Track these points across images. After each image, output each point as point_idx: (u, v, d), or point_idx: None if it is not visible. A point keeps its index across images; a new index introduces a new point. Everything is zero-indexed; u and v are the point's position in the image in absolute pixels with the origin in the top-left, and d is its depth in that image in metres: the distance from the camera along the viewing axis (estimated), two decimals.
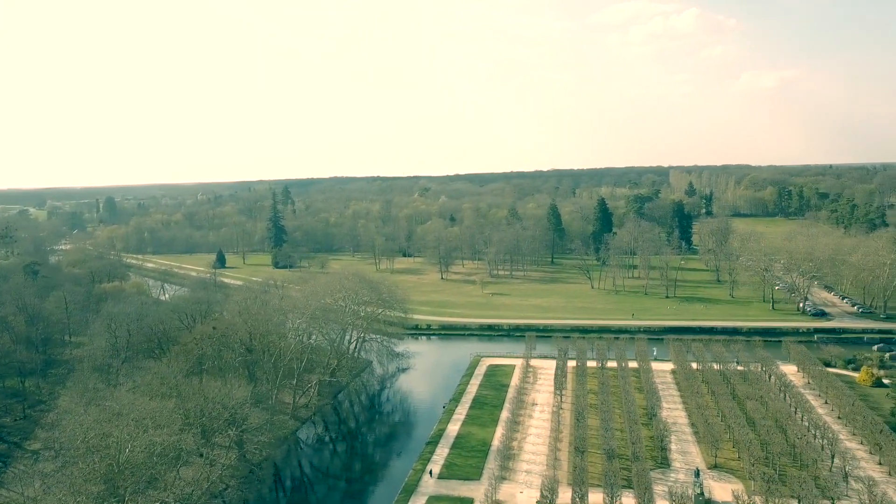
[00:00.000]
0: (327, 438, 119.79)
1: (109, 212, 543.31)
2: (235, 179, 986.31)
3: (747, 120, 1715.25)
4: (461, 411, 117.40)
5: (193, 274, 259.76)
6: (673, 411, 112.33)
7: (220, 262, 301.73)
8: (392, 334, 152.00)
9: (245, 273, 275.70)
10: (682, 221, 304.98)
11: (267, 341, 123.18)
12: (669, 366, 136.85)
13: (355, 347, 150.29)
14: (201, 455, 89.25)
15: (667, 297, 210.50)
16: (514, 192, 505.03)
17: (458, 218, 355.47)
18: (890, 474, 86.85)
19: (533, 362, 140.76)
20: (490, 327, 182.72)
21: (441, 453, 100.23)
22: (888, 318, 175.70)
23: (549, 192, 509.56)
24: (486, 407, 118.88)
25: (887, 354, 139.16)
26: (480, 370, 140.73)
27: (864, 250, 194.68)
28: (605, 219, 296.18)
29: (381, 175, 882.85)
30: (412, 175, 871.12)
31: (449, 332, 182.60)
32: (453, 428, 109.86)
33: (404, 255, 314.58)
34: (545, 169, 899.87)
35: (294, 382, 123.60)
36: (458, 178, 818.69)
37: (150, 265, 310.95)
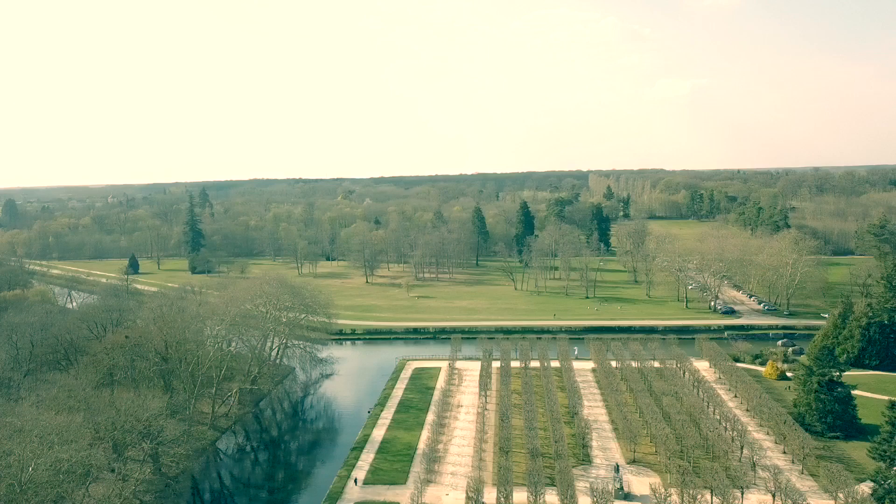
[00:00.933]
0: (248, 448, 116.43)
1: (10, 215, 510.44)
2: (149, 181, 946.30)
3: (662, 126, 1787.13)
4: (387, 415, 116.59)
5: (104, 281, 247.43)
6: (594, 409, 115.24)
7: (133, 267, 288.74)
8: (315, 340, 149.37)
9: (160, 279, 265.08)
10: (600, 224, 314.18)
11: (184, 350, 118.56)
12: (590, 364, 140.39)
13: (277, 354, 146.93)
14: (113, 470, 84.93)
15: (587, 297, 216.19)
16: (440, 196, 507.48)
17: (383, 221, 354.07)
18: (793, 462, 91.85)
19: (458, 364, 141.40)
20: (416, 330, 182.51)
21: (366, 459, 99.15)
22: (791, 315, 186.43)
23: (474, 195, 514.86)
24: (412, 410, 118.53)
25: (790, 349, 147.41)
26: (406, 374, 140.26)
27: (769, 251, 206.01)
28: (527, 222, 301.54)
29: (304, 177, 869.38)
30: (336, 177, 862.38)
31: (374, 337, 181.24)
32: (379, 433, 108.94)
33: (328, 259, 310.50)
34: (469, 172, 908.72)
35: (213, 391, 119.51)
36: (383, 180, 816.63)
37: (55, 272, 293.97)
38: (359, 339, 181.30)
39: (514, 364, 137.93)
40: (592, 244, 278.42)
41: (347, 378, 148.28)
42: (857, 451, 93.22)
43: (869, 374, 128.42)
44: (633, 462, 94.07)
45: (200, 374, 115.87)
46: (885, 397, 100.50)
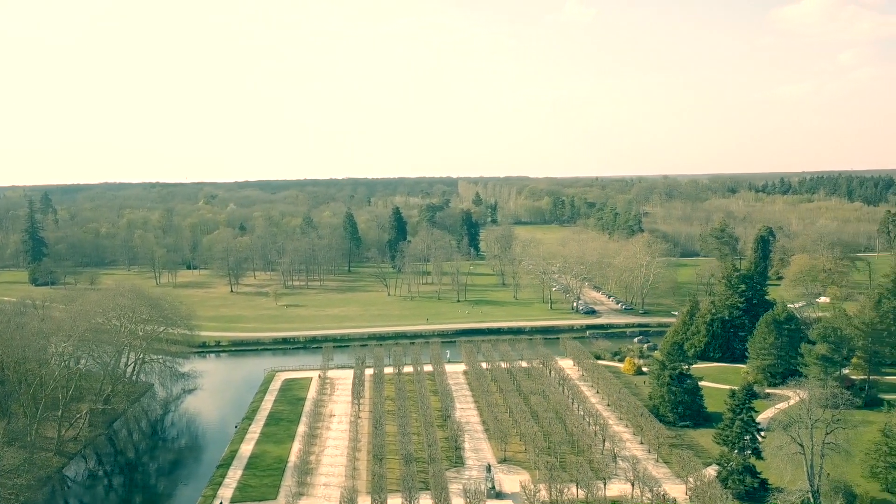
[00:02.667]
0: (101, 473, 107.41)
1: None
2: None
3: (526, 134, 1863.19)
4: (255, 429, 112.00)
5: None
6: (466, 411, 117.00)
7: None
8: (176, 354, 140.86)
9: None
10: (470, 229, 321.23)
11: (24, 370, 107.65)
12: (462, 367, 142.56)
13: (133, 370, 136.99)
14: None
15: (458, 301, 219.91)
16: (309, 200, 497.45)
17: (248, 227, 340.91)
18: (649, 451, 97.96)
19: (330, 373, 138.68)
20: (285, 340, 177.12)
21: (234, 476, 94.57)
22: (646, 314, 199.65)
23: (345, 200, 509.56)
24: (282, 422, 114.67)
25: (646, 345, 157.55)
26: (275, 385, 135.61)
27: (625, 253, 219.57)
28: (399, 227, 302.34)
29: (161, 181, 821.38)
30: (196, 181, 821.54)
31: (241, 348, 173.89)
32: (247, 448, 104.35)
33: (189, 268, 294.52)
34: (340, 177, 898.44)
35: (59, 414, 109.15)
36: (248, 184, 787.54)
37: None
38: (224, 351, 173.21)
39: (388, 370, 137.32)
40: (463, 249, 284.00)
41: (212, 392, 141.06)
42: (705, 437, 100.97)
43: (713, 366, 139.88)
44: (504, 461, 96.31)
45: (44, 396, 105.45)
46: (727, 387, 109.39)
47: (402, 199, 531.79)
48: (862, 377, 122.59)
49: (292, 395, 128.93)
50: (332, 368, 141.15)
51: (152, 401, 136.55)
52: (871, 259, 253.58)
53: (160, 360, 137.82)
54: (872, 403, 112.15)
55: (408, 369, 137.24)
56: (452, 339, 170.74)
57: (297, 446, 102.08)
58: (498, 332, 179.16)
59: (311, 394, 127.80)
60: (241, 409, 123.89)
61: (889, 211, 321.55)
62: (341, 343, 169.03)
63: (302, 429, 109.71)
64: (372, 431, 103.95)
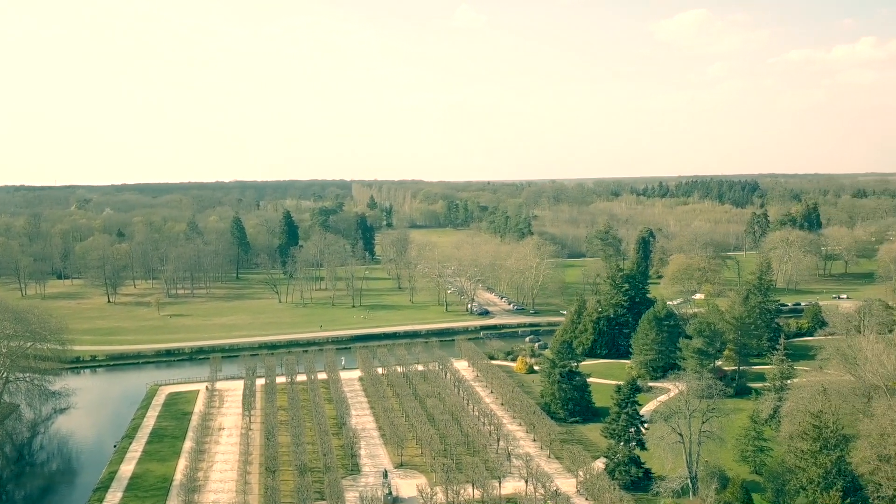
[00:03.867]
0: None
1: None
2: None
3: (420, 138, 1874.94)
4: (136, 448, 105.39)
5: None
6: (362, 417, 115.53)
7: None
8: (46, 371, 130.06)
9: None
10: (365, 233, 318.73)
11: None
12: (357, 373, 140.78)
13: None
14: None
15: (353, 306, 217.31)
16: (194, 205, 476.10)
17: (127, 233, 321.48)
18: (542, 448, 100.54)
19: (219, 385, 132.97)
20: (169, 352, 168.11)
21: (113, 499, 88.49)
22: (536, 313, 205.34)
23: (232, 204, 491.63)
24: (167, 439, 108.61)
25: (537, 344, 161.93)
26: (159, 400, 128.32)
27: (517, 255, 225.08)
28: (291, 232, 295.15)
29: (27, 184, 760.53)
30: (68, 185, 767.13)
31: (120, 363, 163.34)
32: (127, 468, 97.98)
33: (60, 278, 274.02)
34: (227, 180, 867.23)
35: None
36: (125, 188, 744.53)
37: None
38: (101, 366, 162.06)
39: (280, 380, 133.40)
40: (358, 253, 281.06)
41: (88, 411, 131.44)
42: (594, 431, 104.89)
43: (600, 362, 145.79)
44: (400, 466, 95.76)
45: None
46: (613, 382, 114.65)
47: (293, 203, 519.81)
48: (733, 368, 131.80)
49: (178, 410, 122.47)
50: (220, 380, 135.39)
51: (18, 423, 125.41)
52: (740, 258, 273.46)
53: (27, 379, 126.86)
54: (742, 392, 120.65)
55: (301, 378, 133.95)
56: (347, 346, 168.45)
57: (183, 463, 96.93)
58: (394, 336, 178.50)
59: (199, 407, 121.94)
60: (121, 427, 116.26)
61: (755, 213, 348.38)
62: (230, 353, 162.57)
63: (188, 444, 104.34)
64: (264, 443, 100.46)
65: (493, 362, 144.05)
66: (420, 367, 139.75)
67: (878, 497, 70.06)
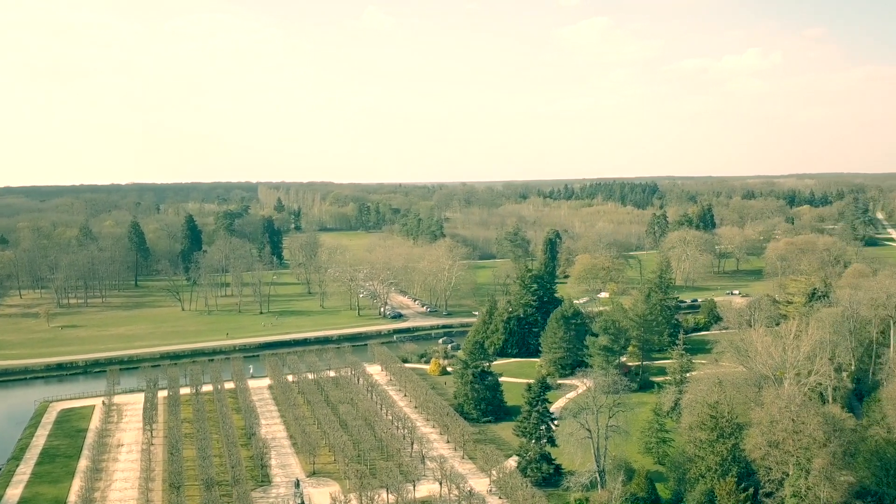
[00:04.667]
0: None
1: None
2: None
3: (330, 140, 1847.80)
4: (24, 470, 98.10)
5: None
6: (272, 426, 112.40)
7: None
8: None
9: None
10: (272, 237, 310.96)
11: None
12: (267, 382, 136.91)
13: None
14: None
15: (261, 312, 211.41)
16: (87, 209, 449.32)
17: (11, 239, 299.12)
18: (455, 449, 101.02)
19: (117, 399, 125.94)
20: (60, 366, 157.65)
21: None
22: (449, 315, 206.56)
23: (130, 208, 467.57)
24: (59, 459, 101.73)
25: (450, 346, 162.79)
26: (49, 418, 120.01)
27: (429, 258, 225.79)
28: (194, 236, 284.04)
29: None
30: None
31: (4, 379, 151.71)
32: (14, 492, 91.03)
33: None
34: (123, 182, 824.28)
35: None
36: (9, 191, 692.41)
37: None
38: None
39: (184, 391, 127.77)
40: (265, 258, 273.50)
41: None
42: (506, 430, 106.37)
43: (512, 361, 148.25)
44: (313, 474, 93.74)
45: None
46: (524, 380, 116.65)
47: (196, 206, 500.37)
48: (637, 363, 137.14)
49: (71, 427, 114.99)
50: (118, 394, 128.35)
51: None
52: (641, 257, 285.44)
53: None
54: (645, 386, 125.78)
55: (207, 388, 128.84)
56: (256, 354, 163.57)
57: (78, 484, 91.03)
58: (305, 342, 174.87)
59: (95, 424, 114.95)
60: (6, 449, 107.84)
61: (655, 214, 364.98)
62: (129, 365, 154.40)
63: (84, 464, 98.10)
64: (167, 458, 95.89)
65: (407, 365, 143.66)
66: (332, 374, 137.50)
67: (769, 480, 74.56)
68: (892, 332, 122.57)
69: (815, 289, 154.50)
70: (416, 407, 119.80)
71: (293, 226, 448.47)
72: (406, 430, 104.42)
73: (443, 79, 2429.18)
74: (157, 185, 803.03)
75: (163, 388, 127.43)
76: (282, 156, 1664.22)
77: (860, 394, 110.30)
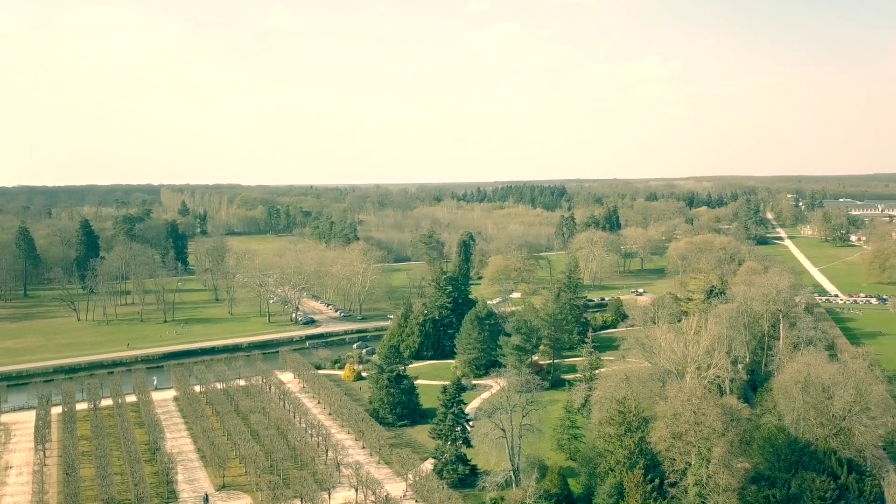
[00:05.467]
0: None
1: None
2: None
3: (236, 141, 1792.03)
4: None
5: None
6: (178, 440, 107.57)
7: None
8: None
9: None
10: (177, 242, 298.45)
11: None
12: (172, 393, 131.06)
13: None
14: None
15: (165, 321, 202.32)
16: None
17: None
18: (371, 454, 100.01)
19: (4, 418, 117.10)
20: None
21: None
22: (363, 319, 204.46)
23: (17, 212, 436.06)
24: None
25: (364, 351, 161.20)
26: None
27: (342, 262, 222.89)
28: (90, 242, 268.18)
29: None
30: None
31: None
32: None
33: None
34: (10, 185, 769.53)
35: None
36: None
37: None
38: None
39: (81, 407, 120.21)
40: (169, 264, 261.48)
41: None
42: (422, 433, 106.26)
43: (427, 364, 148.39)
44: (223, 488, 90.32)
45: None
46: (440, 383, 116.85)
47: (92, 210, 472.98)
48: (548, 362, 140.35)
49: None
50: (5, 412, 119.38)
51: None
52: (551, 257, 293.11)
53: None
54: (557, 384, 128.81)
55: (107, 402, 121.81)
56: (160, 364, 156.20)
57: None
58: (212, 351, 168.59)
59: None
60: None
61: (563, 216, 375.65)
62: (18, 381, 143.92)
63: None
64: (63, 479, 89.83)
65: (321, 372, 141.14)
66: (242, 383, 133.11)
67: (673, 471, 77.88)
68: (781, 325, 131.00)
69: (712, 286, 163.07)
70: (330, 414, 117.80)
71: (199, 230, 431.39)
72: (320, 438, 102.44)
73: (353, 80, 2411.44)
74: (48, 188, 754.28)
75: (57, 405, 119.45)
76: (186, 157, 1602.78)
77: (754, 384, 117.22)
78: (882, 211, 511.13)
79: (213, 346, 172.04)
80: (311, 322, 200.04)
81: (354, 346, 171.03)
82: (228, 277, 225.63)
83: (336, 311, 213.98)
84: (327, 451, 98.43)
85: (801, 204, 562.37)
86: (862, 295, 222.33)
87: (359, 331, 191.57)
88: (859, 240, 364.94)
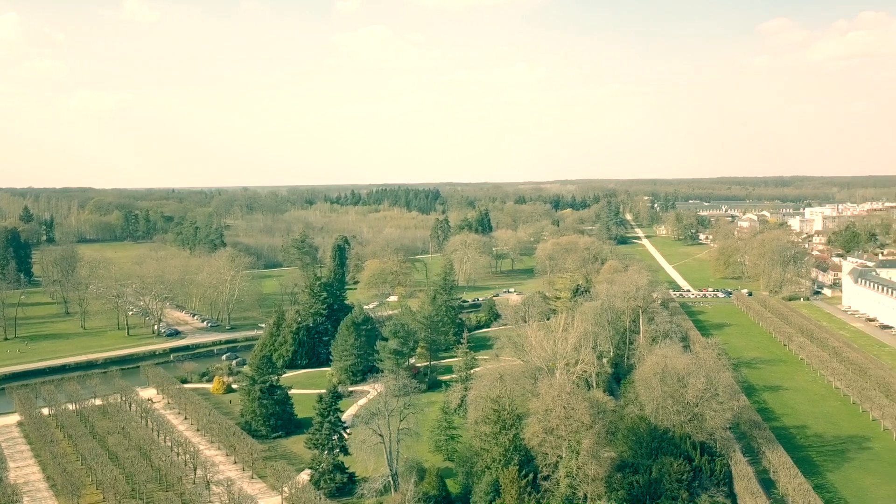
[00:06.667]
0: None
1: None
2: None
3: (86, 141, 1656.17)
4: None
5: None
6: (24, 469, 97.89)
7: None
8: None
9: None
10: (18, 251, 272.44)
11: None
12: (16, 418, 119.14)
13: None
14: None
15: (6, 339, 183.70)
16: None
17: None
18: (244, 469, 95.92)
19: None
20: None
21: None
22: (233, 329, 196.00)
23: None
24: None
25: (234, 362, 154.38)
26: None
27: (209, 269, 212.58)
28: None
29: None
30: None
31: None
32: None
33: None
34: None
35: None
36: None
37: None
38: None
39: None
40: (9, 275, 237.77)
41: None
42: (297, 444, 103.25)
43: (302, 373, 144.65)
44: None
45: None
46: (316, 391, 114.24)
47: None
48: (425, 364, 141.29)
49: None
50: None
51: None
52: (427, 260, 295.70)
53: None
54: (434, 386, 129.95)
55: None
56: (0, 386, 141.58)
57: None
58: (63, 369, 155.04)
59: None
60: None
61: (437, 219, 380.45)
62: None
63: None
64: None
65: (187, 386, 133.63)
66: (98, 402, 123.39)
67: (546, 465, 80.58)
68: (640, 320, 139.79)
69: (578, 285, 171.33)
70: (198, 430, 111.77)
71: (45, 238, 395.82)
72: (188, 456, 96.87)
73: (218, 79, 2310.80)
74: None
75: None
76: (28, 159, 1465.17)
77: (618, 377, 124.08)
78: (726, 211, 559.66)
79: (63, 364, 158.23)
80: (175, 334, 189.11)
81: (224, 357, 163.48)
82: (80, 289, 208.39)
83: (203, 322, 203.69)
84: (196, 469, 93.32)
85: (656, 206, 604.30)
86: (710, 289, 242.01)
87: (228, 341, 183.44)
88: (707, 238, 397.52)
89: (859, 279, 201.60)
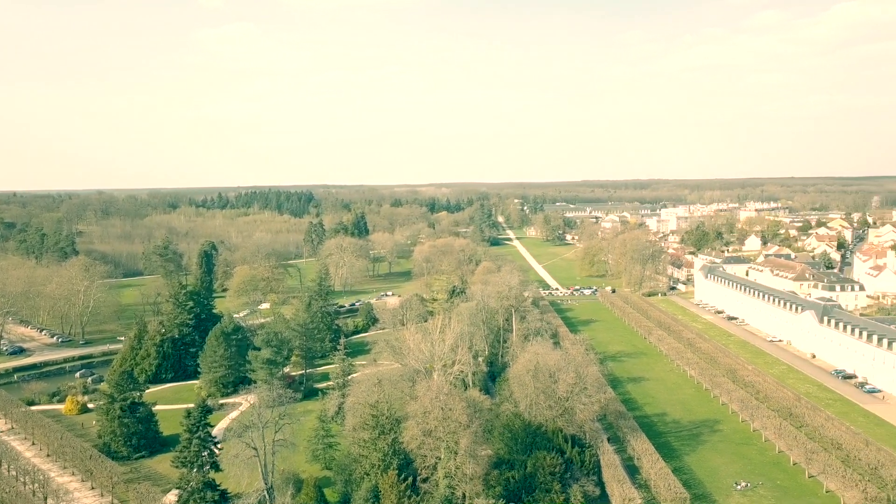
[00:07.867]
0: None
1: None
2: None
3: None
4: None
5: None
6: None
7: None
8: None
9: None
10: None
11: None
12: None
13: None
14: None
15: None
16: None
17: None
18: (103, 495, 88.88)
19: None
20: None
21: None
22: (88, 344, 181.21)
23: None
24: None
25: (90, 379, 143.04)
26: None
27: (59, 280, 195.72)
28: None
29: None
30: None
31: None
32: None
33: None
34: None
35: None
36: None
37: None
38: None
39: None
40: None
41: None
42: (163, 464, 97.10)
43: (168, 387, 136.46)
44: None
45: None
46: (183, 406, 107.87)
47: None
48: (300, 372, 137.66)
49: None
50: None
51: None
52: (301, 265, 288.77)
53: None
54: (310, 394, 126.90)
55: None
56: None
57: None
58: None
59: None
60: None
61: (311, 222, 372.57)
62: None
63: None
64: None
65: (35, 408, 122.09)
66: None
67: (425, 467, 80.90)
68: (513, 318, 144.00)
69: (454, 286, 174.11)
70: (49, 455, 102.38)
71: None
72: (36, 485, 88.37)
73: (68, 73, 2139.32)
74: None
75: None
76: None
77: (493, 375, 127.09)
78: (590, 213, 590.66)
79: None
80: (19, 352, 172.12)
81: (77, 374, 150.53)
82: None
83: (52, 337, 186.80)
84: (46, 499, 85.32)
85: (525, 208, 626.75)
86: (577, 287, 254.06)
87: (82, 357, 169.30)
88: (573, 238, 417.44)
89: (709, 275, 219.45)
